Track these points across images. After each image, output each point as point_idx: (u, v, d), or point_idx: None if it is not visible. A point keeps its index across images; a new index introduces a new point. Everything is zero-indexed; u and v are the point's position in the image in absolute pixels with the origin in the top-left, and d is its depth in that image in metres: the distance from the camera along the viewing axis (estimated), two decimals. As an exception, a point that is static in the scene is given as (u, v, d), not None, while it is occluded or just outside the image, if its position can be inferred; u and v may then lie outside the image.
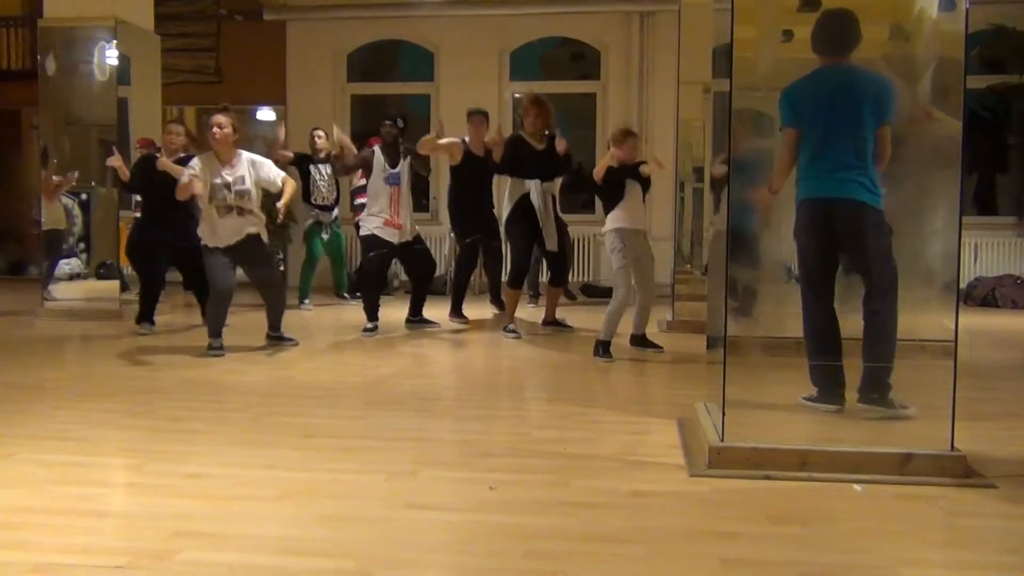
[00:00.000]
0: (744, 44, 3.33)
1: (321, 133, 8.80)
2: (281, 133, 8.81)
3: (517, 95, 11.15)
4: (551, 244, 6.71)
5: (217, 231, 5.70)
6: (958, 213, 3.25)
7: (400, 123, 6.89)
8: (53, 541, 2.49)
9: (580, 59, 11.48)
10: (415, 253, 6.94)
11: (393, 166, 6.80)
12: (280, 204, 5.80)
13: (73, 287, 8.14)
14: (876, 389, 3.51)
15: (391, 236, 6.74)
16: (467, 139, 7.34)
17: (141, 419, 4.05)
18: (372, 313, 6.89)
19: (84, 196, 8.26)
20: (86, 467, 3.26)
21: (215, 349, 5.75)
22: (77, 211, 8.27)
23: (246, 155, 5.81)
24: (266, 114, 11.79)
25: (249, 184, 5.70)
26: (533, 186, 6.67)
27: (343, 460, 3.35)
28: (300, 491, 2.96)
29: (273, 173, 5.85)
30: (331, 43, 11.28)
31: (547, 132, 6.74)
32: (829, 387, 3.59)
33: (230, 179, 5.66)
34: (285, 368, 5.45)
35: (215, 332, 5.82)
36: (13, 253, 12.66)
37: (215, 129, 5.63)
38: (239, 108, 11.26)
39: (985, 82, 9.91)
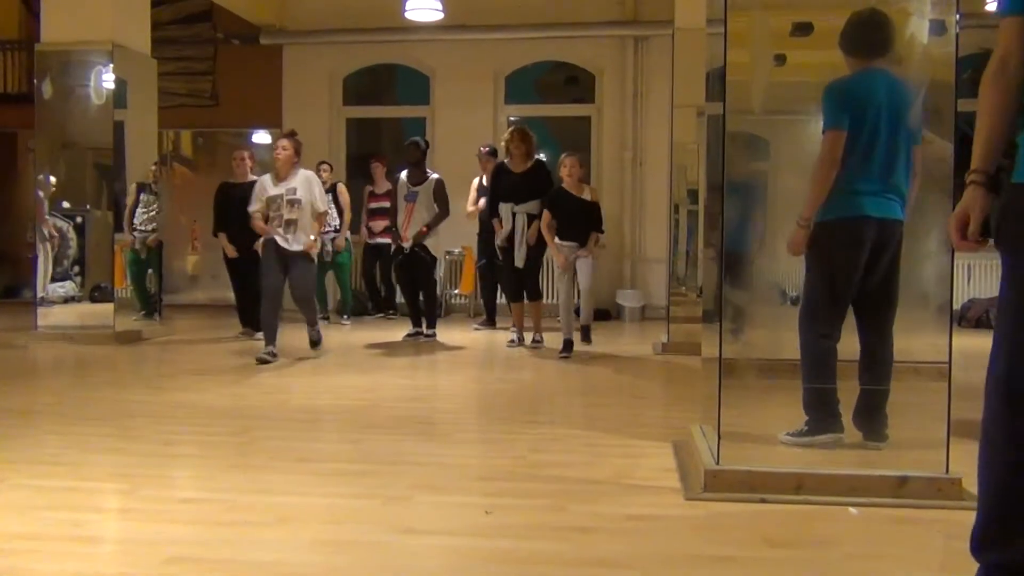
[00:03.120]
0: (737, 68, 3.35)
1: (327, 166, 9.41)
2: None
3: (512, 118, 11.23)
4: (519, 261, 7.17)
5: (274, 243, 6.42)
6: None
7: (423, 144, 7.66)
8: (46, 567, 2.47)
9: (575, 83, 11.55)
10: (416, 260, 7.59)
11: (415, 185, 7.50)
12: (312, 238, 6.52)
13: (67, 310, 8.12)
14: (882, 417, 3.45)
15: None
16: (483, 177, 8.38)
17: (134, 443, 4.02)
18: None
19: (79, 219, 8.26)
20: (79, 492, 3.24)
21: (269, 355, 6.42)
22: (72, 234, 8.27)
23: (303, 172, 6.55)
24: (262, 137, 11.85)
25: (301, 195, 6.40)
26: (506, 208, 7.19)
27: (338, 484, 3.33)
28: (295, 516, 2.94)
29: (320, 197, 6.58)
30: (327, 67, 11.34)
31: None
32: (830, 415, 3.47)
33: (283, 191, 6.38)
34: (280, 392, 5.43)
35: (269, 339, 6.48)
36: (8, 276, 12.64)
37: (279, 151, 6.43)
38: (236, 131, 11.46)
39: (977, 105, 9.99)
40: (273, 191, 6.40)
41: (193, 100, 11.56)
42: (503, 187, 7.22)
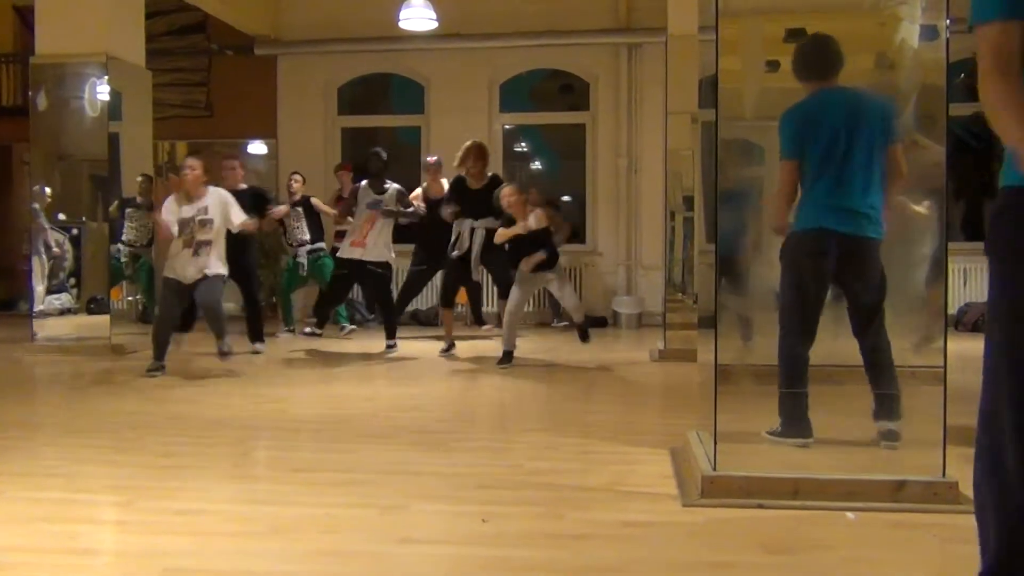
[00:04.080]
0: (730, 75, 3.37)
1: (298, 178, 9.19)
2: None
3: (507, 127, 11.25)
4: (475, 275, 7.34)
5: (175, 266, 6.27)
6: (944, 239, 3.27)
7: (384, 156, 7.61)
8: (41, 580, 2.46)
9: (569, 90, 11.57)
10: (369, 274, 7.62)
11: (379, 194, 7.47)
12: (240, 223, 6.41)
13: (63, 322, 8.10)
14: (895, 417, 3.46)
15: (351, 253, 7.47)
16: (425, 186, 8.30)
17: (130, 455, 4.01)
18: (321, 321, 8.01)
19: (75, 231, 8.24)
20: (75, 504, 3.23)
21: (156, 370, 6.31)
22: (68, 246, 8.25)
23: (214, 189, 6.40)
24: (257, 148, 11.85)
25: (213, 214, 6.24)
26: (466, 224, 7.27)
27: (335, 494, 3.33)
28: (291, 526, 2.93)
29: (236, 214, 6.39)
30: (322, 77, 11.35)
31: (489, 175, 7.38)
32: (799, 418, 3.52)
33: (195, 212, 6.23)
34: (275, 402, 5.43)
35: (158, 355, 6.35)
36: (4, 289, 12.61)
37: (187, 170, 6.28)
38: (231, 142, 11.46)
39: (971, 109, 9.99)
40: (185, 213, 6.20)
41: (188, 111, 11.56)
42: (462, 204, 7.24)
